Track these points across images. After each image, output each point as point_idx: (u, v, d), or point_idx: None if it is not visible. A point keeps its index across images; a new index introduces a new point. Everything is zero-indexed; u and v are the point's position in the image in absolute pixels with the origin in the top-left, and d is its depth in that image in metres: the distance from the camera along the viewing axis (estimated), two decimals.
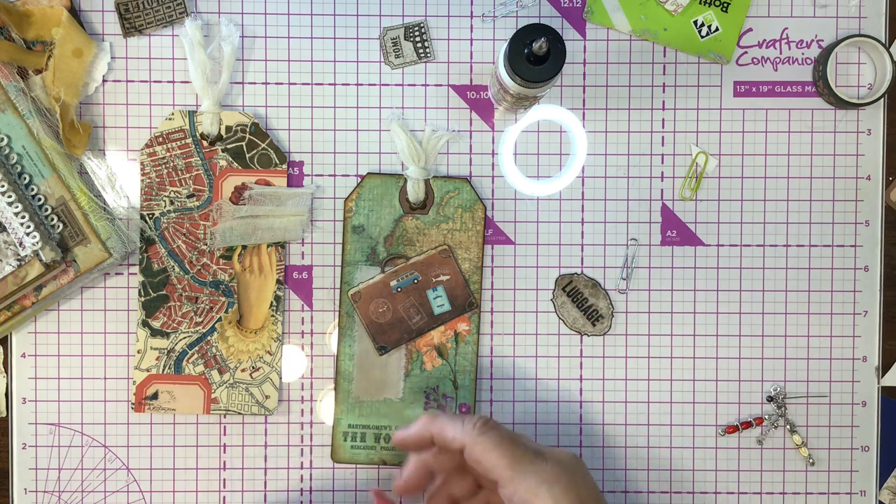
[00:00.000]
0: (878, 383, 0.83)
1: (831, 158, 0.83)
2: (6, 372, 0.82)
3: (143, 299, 0.81)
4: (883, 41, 0.82)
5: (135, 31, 0.81)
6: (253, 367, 0.81)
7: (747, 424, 0.83)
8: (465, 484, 0.73)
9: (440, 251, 0.80)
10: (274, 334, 0.81)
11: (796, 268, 0.83)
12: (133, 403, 0.81)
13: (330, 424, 0.82)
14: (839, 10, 0.82)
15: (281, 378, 0.82)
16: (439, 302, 0.81)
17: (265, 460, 0.82)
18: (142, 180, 0.80)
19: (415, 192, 0.81)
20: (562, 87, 0.82)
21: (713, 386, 0.83)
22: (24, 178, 0.77)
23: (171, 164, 0.80)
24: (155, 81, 0.81)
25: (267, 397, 0.81)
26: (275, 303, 0.81)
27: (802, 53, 0.82)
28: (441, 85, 0.82)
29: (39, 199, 0.77)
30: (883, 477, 0.83)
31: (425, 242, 0.81)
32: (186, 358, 0.81)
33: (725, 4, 0.81)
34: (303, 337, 0.82)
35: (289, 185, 0.81)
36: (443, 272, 0.80)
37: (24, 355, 0.81)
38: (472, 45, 0.82)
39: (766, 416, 0.83)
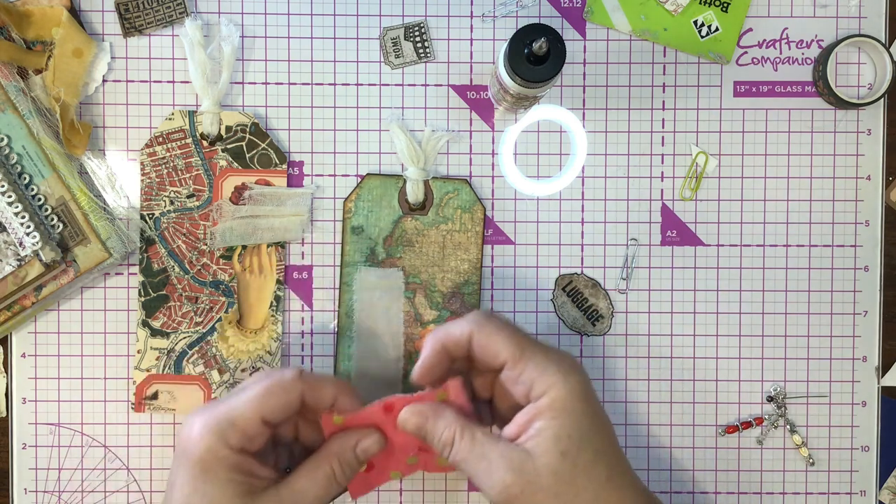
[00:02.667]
0: (878, 383, 0.83)
1: (831, 158, 0.83)
2: (6, 372, 0.82)
3: (143, 299, 0.81)
4: (883, 41, 0.82)
5: (135, 31, 0.81)
6: (253, 368, 0.81)
7: (747, 424, 0.83)
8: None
9: None
10: (274, 334, 0.81)
11: (796, 268, 0.83)
12: (133, 403, 0.81)
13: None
14: (839, 10, 0.82)
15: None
16: None
17: None
18: (142, 180, 0.80)
19: (414, 193, 0.81)
20: (562, 87, 0.82)
21: (713, 386, 0.83)
22: (24, 178, 0.77)
23: (171, 164, 0.80)
24: (155, 81, 0.81)
25: None
26: (275, 303, 0.81)
27: (802, 53, 0.82)
28: (441, 85, 0.82)
29: (39, 199, 0.77)
30: (883, 477, 0.83)
31: (424, 243, 0.81)
32: (186, 358, 0.81)
33: (725, 4, 0.81)
34: (303, 337, 0.82)
35: (289, 185, 0.81)
36: None
37: (24, 355, 0.82)
38: (472, 45, 0.82)
39: (766, 416, 0.83)
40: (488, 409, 0.74)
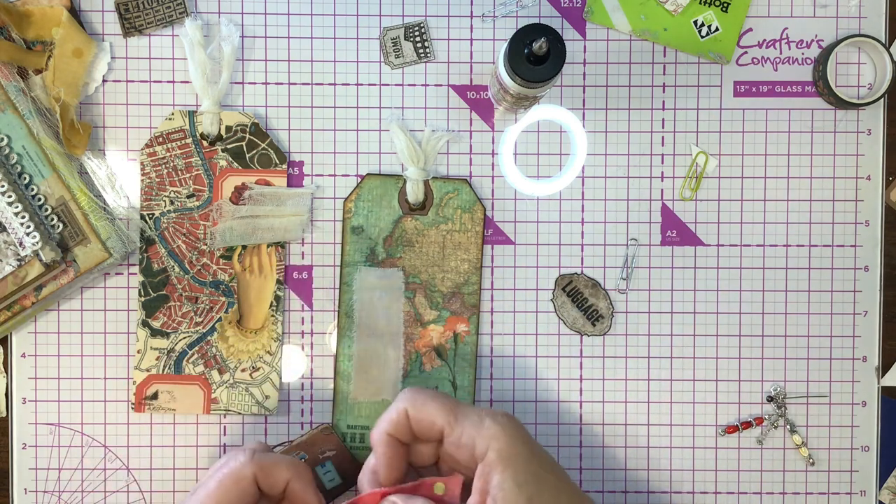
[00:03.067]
0: (878, 383, 0.83)
1: (831, 158, 0.83)
2: (6, 372, 0.82)
3: (143, 299, 0.81)
4: (883, 41, 0.82)
5: (135, 31, 0.81)
6: (253, 367, 0.81)
7: (747, 424, 0.83)
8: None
9: (322, 430, 0.80)
10: (274, 334, 0.81)
11: (796, 268, 0.83)
12: (133, 403, 0.81)
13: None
14: (839, 10, 0.82)
15: (281, 378, 0.82)
16: (329, 476, 0.80)
17: None
18: (142, 180, 0.80)
19: (414, 193, 0.81)
20: (562, 87, 0.82)
21: (713, 386, 0.83)
22: (24, 178, 0.77)
23: (171, 164, 0.80)
24: (155, 81, 0.81)
25: (267, 397, 0.81)
26: (275, 303, 0.81)
27: (802, 53, 0.82)
28: (441, 85, 0.82)
29: (39, 199, 0.77)
30: (883, 477, 0.83)
31: (424, 243, 0.81)
32: (186, 358, 0.81)
33: (725, 4, 0.81)
34: (303, 337, 0.82)
35: (289, 185, 0.81)
36: (328, 448, 0.80)
37: (24, 355, 0.82)
38: (472, 45, 0.82)
39: (766, 416, 0.83)
40: None
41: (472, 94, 0.82)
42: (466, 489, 0.71)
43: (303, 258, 0.82)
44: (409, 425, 0.70)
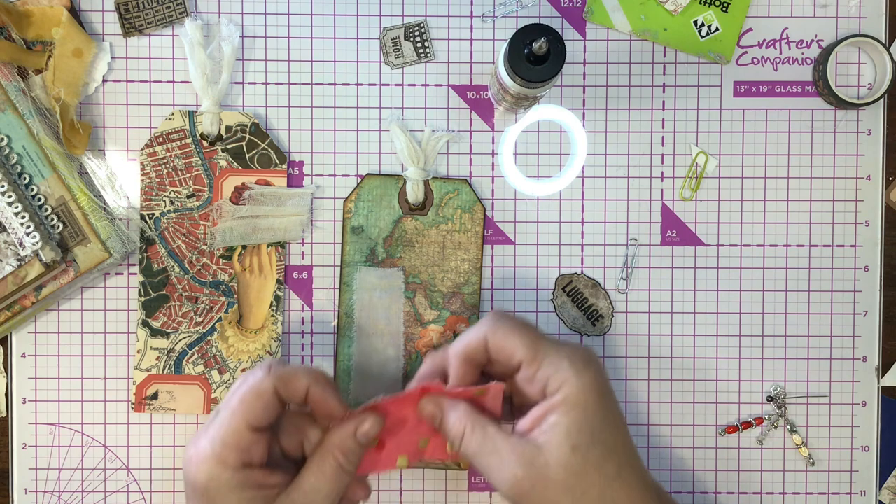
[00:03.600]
0: (878, 383, 0.83)
1: (831, 158, 0.83)
2: (6, 372, 0.82)
3: (143, 299, 0.81)
4: (883, 41, 0.82)
5: (135, 31, 0.81)
6: (253, 367, 0.81)
7: (747, 424, 0.83)
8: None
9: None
10: (274, 334, 0.81)
11: (796, 268, 0.83)
12: (133, 403, 0.81)
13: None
14: (839, 10, 0.82)
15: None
16: None
17: None
18: (142, 180, 0.80)
19: (414, 193, 0.81)
20: (562, 87, 0.82)
21: (713, 386, 0.83)
22: (24, 178, 0.77)
23: (171, 164, 0.80)
24: (155, 81, 0.81)
25: None
26: (275, 303, 0.81)
27: (802, 53, 0.82)
28: (441, 85, 0.82)
29: (39, 199, 0.77)
30: (883, 477, 0.83)
31: (424, 243, 0.81)
32: (186, 358, 0.81)
33: (725, 4, 0.81)
34: (303, 337, 0.82)
35: (289, 185, 0.81)
36: None
37: (24, 355, 0.82)
38: (472, 45, 0.82)
39: (766, 416, 0.83)
40: (509, 408, 0.74)
41: (472, 94, 0.82)
42: (506, 400, 0.72)
43: (303, 258, 0.82)
44: (487, 351, 0.70)
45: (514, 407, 0.74)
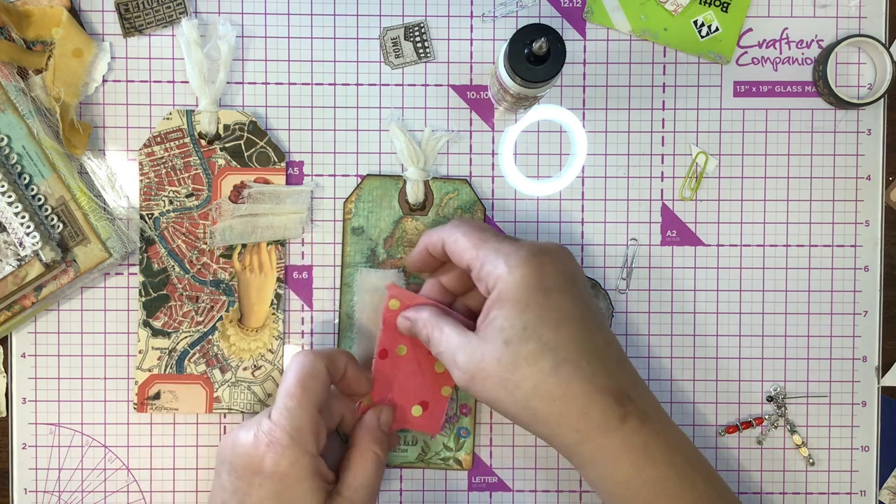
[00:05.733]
0: (878, 383, 0.83)
1: (831, 158, 0.83)
2: (6, 372, 0.82)
3: (143, 299, 0.81)
4: (883, 41, 0.82)
5: (135, 31, 0.81)
6: (255, 366, 0.81)
7: (747, 424, 0.83)
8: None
9: None
10: (275, 332, 0.81)
11: (796, 268, 0.83)
12: (136, 404, 0.81)
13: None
14: (839, 10, 0.82)
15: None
16: None
17: None
18: (140, 180, 0.80)
19: (414, 194, 0.81)
20: (562, 87, 0.82)
21: (713, 386, 0.83)
22: (24, 178, 0.77)
23: (170, 164, 0.80)
24: (155, 81, 0.81)
25: (269, 395, 0.82)
26: (275, 301, 0.81)
27: (802, 53, 0.82)
28: (441, 85, 0.82)
29: (39, 199, 0.77)
30: (883, 477, 0.83)
31: None
32: (188, 357, 0.81)
33: (725, 4, 0.81)
34: (303, 337, 0.82)
35: (288, 184, 0.81)
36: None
37: (24, 355, 0.82)
38: (472, 45, 0.82)
39: (766, 416, 0.83)
40: None
41: (472, 94, 0.82)
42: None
43: (303, 258, 0.82)
44: (444, 253, 0.74)
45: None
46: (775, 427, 0.83)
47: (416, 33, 0.81)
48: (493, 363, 0.68)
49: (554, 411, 0.68)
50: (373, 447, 0.74)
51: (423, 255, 0.76)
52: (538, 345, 0.67)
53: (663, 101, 0.82)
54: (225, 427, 0.82)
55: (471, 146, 0.82)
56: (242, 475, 0.71)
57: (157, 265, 0.81)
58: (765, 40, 0.82)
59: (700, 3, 0.81)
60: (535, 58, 0.69)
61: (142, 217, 0.80)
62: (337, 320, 0.82)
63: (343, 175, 0.82)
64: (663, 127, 0.82)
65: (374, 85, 0.82)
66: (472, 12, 0.82)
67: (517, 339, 0.67)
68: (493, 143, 0.82)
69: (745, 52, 0.82)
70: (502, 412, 0.70)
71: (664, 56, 0.82)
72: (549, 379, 0.67)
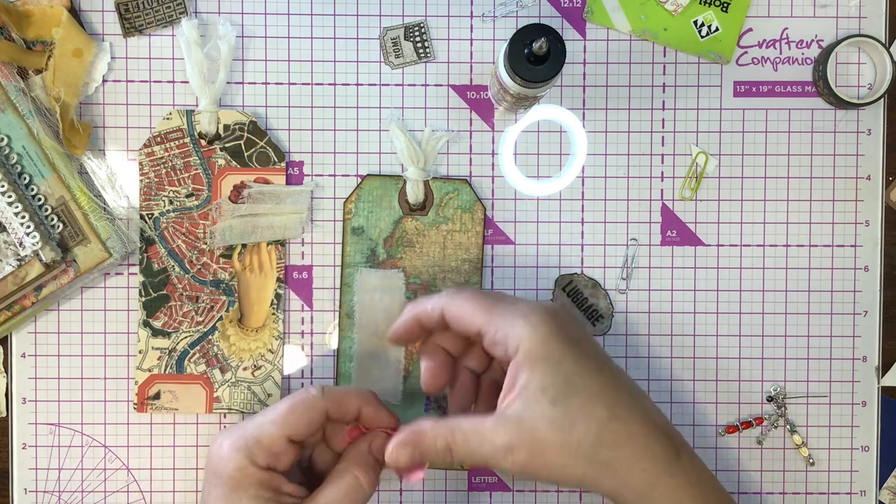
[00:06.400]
0: (878, 383, 0.83)
1: (831, 158, 0.83)
2: (6, 372, 0.82)
3: (143, 299, 0.81)
4: (883, 41, 0.82)
5: (135, 31, 0.81)
6: (255, 366, 0.81)
7: (747, 424, 0.83)
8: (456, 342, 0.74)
9: None
10: (275, 332, 0.81)
11: (796, 268, 0.83)
12: (136, 404, 0.81)
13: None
14: (839, 10, 0.82)
15: (283, 376, 0.82)
16: None
17: None
18: (140, 180, 0.80)
19: (414, 194, 0.81)
20: (562, 87, 0.82)
21: (713, 386, 0.83)
22: (24, 178, 0.77)
23: (170, 164, 0.80)
24: (155, 81, 0.81)
25: (269, 395, 0.82)
26: (275, 301, 0.81)
27: (802, 53, 0.82)
28: (441, 85, 0.82)
29: (39, 199, 0.77)
30: (883, 477, 0.83)
31: (425, 244, 0.81)
32: (188, 357, 0.81)
33: (725, 4, 0.81)
34: (303, 337, 0.82)
35: (288, 184, 0.81)
36: None
37: (24, 355, 0.82)
38: (472, 45, 0.82)
39: (766, 416, 0.83)
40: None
41: (472, 94, 0.82)
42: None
43: (303, 258, 0.82)
44: (444, 321, 0.70)
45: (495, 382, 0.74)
46: (775, 427, 0.83)
47: (416, 33, 0.81)
48: (547, 427, 0.64)
49: (621, 456, 0.65)
50: (354, 469, 0.70)
51: (411, 326, 0.72)
52: (586, 395, 0.65)
53: (663, 101, 0.82)
54: (225, 427, 0.82)
55: (471, 146, 0.82)
56: (207, 473, 0.71)
57: (157, 265, 0.81)
58: (765, 40, 0.82)
59: (700, 3, 0.81)
60: (535, 58, 0.69)
61: (142, 217, 0.80)
62: (337, 320, 0.82)
63: (343, 175, 0.82)
64: (663, 127, 0.82)
65: (374, 85, 0.82)
66: (472, 12, 0.82)
67: (563, 394, 0.65)
68: (493, 143, 0.82)
69: (745, 52, 0.82)
70: (567, 481, 0.66)
71: (664, 56, 0.82)
72: (609, 425, 0.65)
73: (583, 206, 0.82)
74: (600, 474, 0.65)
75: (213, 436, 0.73)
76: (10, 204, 0.76)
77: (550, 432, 0.64)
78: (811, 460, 0.83)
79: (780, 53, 0.82)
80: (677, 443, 0.67)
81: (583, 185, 0.82)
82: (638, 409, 0.67)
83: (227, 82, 0.81)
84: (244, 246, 0.81)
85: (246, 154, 0.81)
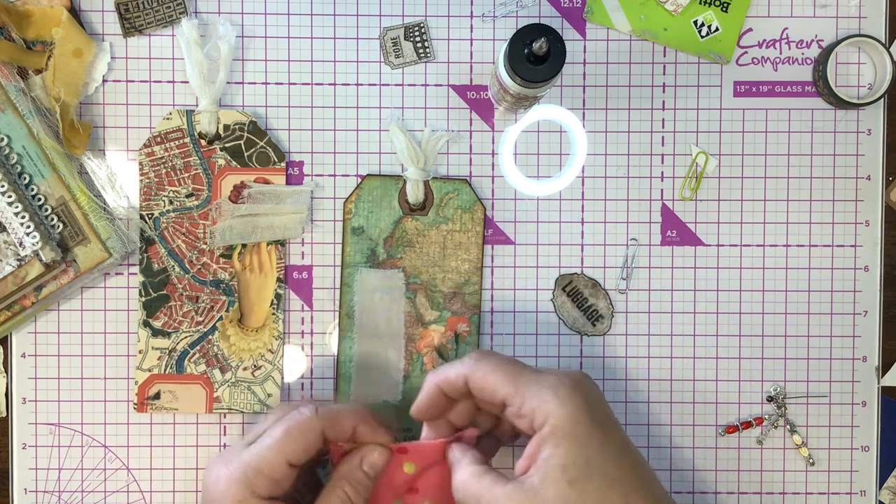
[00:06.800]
0: (878, 383, 0.83)
1: (831, 158, 0.83)
2: (6, 372, 0.82)
3: (143, 299, 0.81)
4: (883, 41, 0.82)
5: (135, 31, 0.81)
6: (255, 366, 0.81)
7: (747, 424, 0.83)
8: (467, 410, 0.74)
9: None
10: (275, 332, 0.81)
11: (796, 268, 0.83)
12: (136, 404, 0.81)
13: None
14: (839, 10, 0.82)
15: (283, 376, 0.82)
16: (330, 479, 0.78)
17: None
18: (140, 180, 0.80)
19: (414, 194, 0.81)
20: (562, 87, 0.82)
21: (713, 386, 0.83)
22: (24, 178, 0.77)
23: (170, 164, 0.80)
24: (155, 81, 0.81)
25: (269, 395, 0.82)
26: (275, 301, 0.81)
27: (802, 53, 0.82)
28: (441, 85, 0.82)
29: (39, 199, 0.77)
30: (883, 477, 0.83)
31: (425, 244, 0.81)
32: (188, 357, 0.81)
33: (725, 4, 0.81)
34: (303, 337, 0.82)
35: (288, 184, 0.81)
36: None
37: (24, 355, 0.82)
38: (472, 45, 0.82)
39: (766, 416, 0.83)
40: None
41: (472, 94, 0.82)
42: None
43: (303, 258, 0.82)
44: (468, 388, 0.70)
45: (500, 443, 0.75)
46: (775, 427, 0.83)
47: (416, 33, 0.81)
48: None
49: None
50: (343, 485, 0.70)
51: (436, 397, 0.72)
52: (603, 480, 0.65)
53: (663, 101, 0.82)
54: (225, 427, 0.82)
55: (471, 146, 0.82)
56: (204, 499, 0.70)
57: (157, 265, 0.81)
58: (765, 40, 0.82)
59: (700, 3, 0.81)
60: (535, 58, 0.69)
61: (142, 217, 0.80)
62: (337, 320, 0.82)
63: (343, 175, 0.82)
64: (663, 127, 0.82)
65: (374, 85, 0.82)
66: (472, 12, 0.82)
67: (582, 477, 0.64)
68: (493, 143, 0.82)
69: (745, 52, 0.82)
70: None
71: (664, 56, 0.82)
72: None
73: (583, 206, 0.82)
74: None
75: (209, 462, 0.71)
76: (10, 204, 0.76)
77: None
78: (811, 460, 0.83)
79: (780, 53, 0.82)
80: None
81: (583, 185, 0.82)
82: (651, 498, 0.67)
83: (227, 82, 0.81)
84: (244, 246, 0.81)
85: (246, 154, 0.81)
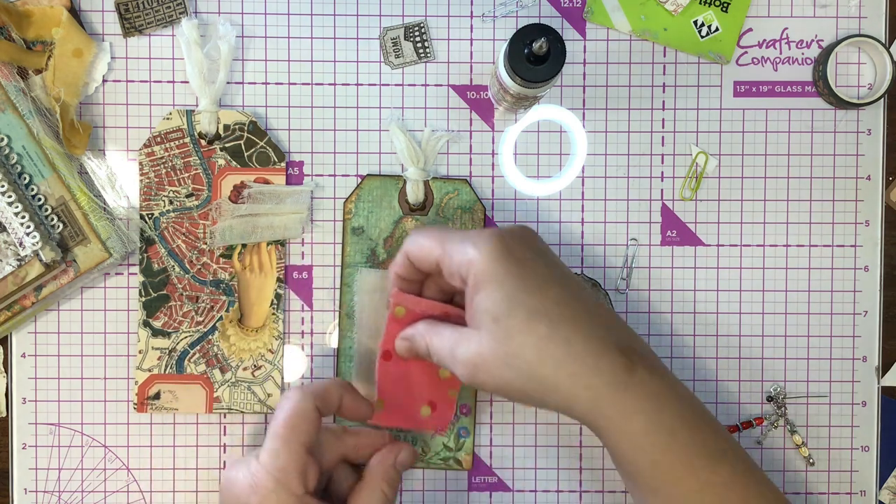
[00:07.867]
0: (878, 383, 0.83)
1: (831, 158, 0.83)
2: (6, 372, 0.82)
3: (143, 299, 0.81)
4: (883, 41, 0.82)
5: (135, 31, 0.81)
6: (255, 366, 0.81)
7: (747, 424, 0.83)
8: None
9: None
10: (275, 332, 0.81)
11: (796, 268, 0.83)
12: (136, 404, 0.81)
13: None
14: (839, 10, 0.82)
15: (283, 376, 0.82)
16: None
17: None
18: (140, 180, 0.80)
19: (414, 194, 0.81)
20: (562, 87, 0.82)
21: (713, 386, 0.83)
22: (24, 178, 0.77)
23: (170, 164, 0.80)
24: (155, 81, 0.81)
25: (269, 395, 0.82)
26: (275, 301, 0.81)
27: (802, 53, 0.82)
28: (441, 85, 0.82)
29: (39, 199, 0.77)
30: (883, 477, 0.83)
31: None
32: (188, 357, 0.81)
33: (725, 4, 0.81)
34: (303, 337, 0.82)
35: (288, 184, 0.81)
36: None
37: (24, 355, 0.82)
38: (472, 45, 0.82)
39: (766, 416, 0.83)
40: None
41: (472, 94, 0.82)
42: None
43: (303, 258, 0.82)
44: (413, 265, 0.72)
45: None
46: (775, 427, 0.83)
47: (416, 33, 0.81)
48: (490, 344, 0.66)
49: (562, 374, 0.65)
50: (382, 485, 0.73)
51: (397, 283, 0.75)
52: (526, 312, 0.66)
53: (663, 101, 0.82)
54: (225, 427, 0.82)
55: (471, 146, 0.82)
56: None
57: (157, 265, 0.81)
58: (765, 40, 0.82)
59: (700, 3, 0.81)
60: (535, 58, 0.69)
61: (142, 217, 0.80)
62: (337, 320, 0.82)
63: (343, 175, 0.82)
64: (663, 127, 0.82)
65: (374, 85, 0.82)
66: (472, 12, 0.82)
67: (504, 313, 0.66)
68: (493, 143, 0.82)
69: (745, 52, 0.82)
70: (514, 396, 0.68)
71: (664, 56, 0.82)
72: (549, 342, 0.66)
73: (583, 206, 0.82)
74: (544, 392, 0.67)
75: (225, 474, 0.72)
76: (10, 204, 0.76)
77: (493, 348, 0.66)
78: (811, 460, 0.83)
79: (780, 53, 0.82)
80: (634, 359, 0.67)
81: (583, 185, 0.82)
82: (586, 327, 0.67)
83: (227, 82, 0.81)
84: (244, 246, 0.81)
85: (246, 154, 0.81)
